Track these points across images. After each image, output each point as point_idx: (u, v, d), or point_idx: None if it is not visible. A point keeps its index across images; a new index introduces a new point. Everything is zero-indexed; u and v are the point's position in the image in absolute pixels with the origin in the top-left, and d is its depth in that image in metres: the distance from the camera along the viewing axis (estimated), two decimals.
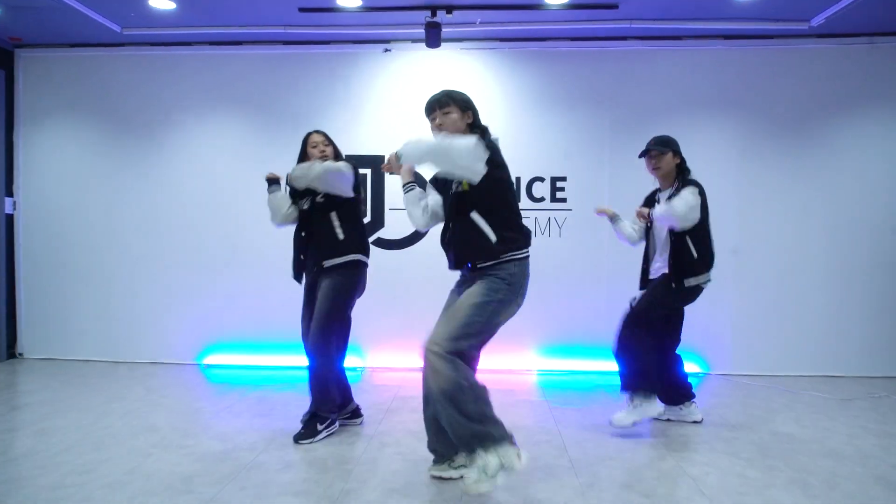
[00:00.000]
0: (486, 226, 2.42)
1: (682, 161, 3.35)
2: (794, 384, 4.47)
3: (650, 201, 3.49)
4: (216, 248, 5.02)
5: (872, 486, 2.62)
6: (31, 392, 4.11)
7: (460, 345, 2.32)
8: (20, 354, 5.17)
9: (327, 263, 3.15)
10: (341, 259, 3.15)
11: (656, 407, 3.28)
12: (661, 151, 3.32)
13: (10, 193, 5.08)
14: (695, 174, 3.38)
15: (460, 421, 2.20)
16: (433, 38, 4.30)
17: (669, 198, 3.26)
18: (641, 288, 3.50)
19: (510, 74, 4.89)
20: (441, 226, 2.70)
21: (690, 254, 3.23)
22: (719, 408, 3.84)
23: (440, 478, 2.62)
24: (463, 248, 2.49)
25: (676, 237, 3.27)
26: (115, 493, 2.50)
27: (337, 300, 3.14)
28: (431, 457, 2.68)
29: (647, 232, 3.49)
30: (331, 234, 3.16)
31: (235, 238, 4.98)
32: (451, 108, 2.51)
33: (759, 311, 4.79)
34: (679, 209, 3.12)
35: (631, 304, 3.41)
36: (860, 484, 2.65)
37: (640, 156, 3.41)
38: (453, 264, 2.59)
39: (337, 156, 3.36)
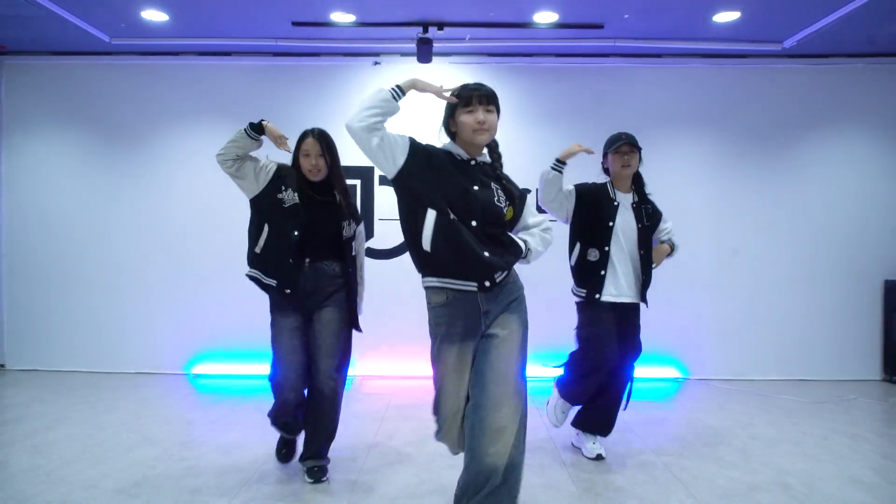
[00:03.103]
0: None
1: None
2: (768, 388, 4.68)
3: (607, 200, 3.09)
4: (203, 256, 5.03)
5: (847, 487, 2.80)
6: (21, 405, 4.07)
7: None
8: (2, 366, 5.09)
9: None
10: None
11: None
12: (638, 149, 3.10)
13: None
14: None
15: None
16: (424, 53, 4.40)
17: (640, 207, 3.12)
18: (591, 303, 3.08)
19: (496, 88, 4.92)
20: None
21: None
22: (701, 413, 4.02)
23: None
24: (497, 253, 2.14)
25: (646, 256, 3.12)
26: None
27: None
28: (430, 464, 2.78)
29: (608, 233, 3.06)
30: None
31: (223, 246, 4.98)
32: (493, 108, 2.29)
33: (735, 318, 5.00)
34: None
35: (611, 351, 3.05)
36: (836, 484, 2.83)
37: (612, 150, 3.09)
38: (485, 267, 2.11)
39: (333, 167, 2.83)
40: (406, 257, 4.94)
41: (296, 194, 2.79)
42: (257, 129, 2.81)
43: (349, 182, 4.97)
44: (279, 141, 2.86)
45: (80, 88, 5.05)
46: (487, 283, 2.09)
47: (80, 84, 5.05)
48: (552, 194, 3.05)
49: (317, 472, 2.81)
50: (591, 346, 3.09)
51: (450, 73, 5.01)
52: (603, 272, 3.04)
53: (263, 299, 2.95)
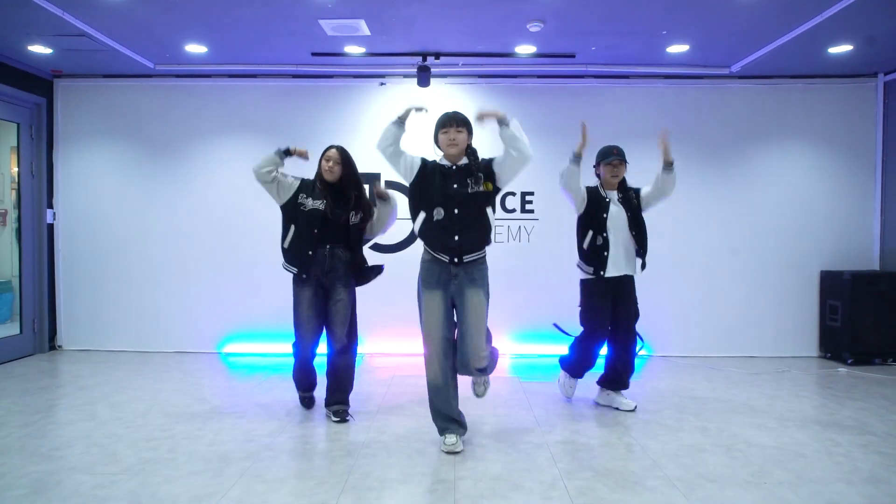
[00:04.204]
0: (490, 223, 3.22)
1: None
2: (717, 363, 5.49)
3: (600, 198, 3.90)
4: (233, 250, 5.83)
5: (752, 430, 3.60)
6: (87, 376, 4.88)
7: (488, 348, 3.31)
8: (60, 346, 5.91)
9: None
10: None
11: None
12: (625, 162, 3.95)
13: (50, 206, 5.81)
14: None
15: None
16: (423, 79, 5.18)
17: (625, 199, 3.95)
18: (597, 279, 3.88)
19: (486, 105, 5.79)
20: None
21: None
22: (653, 381, 4.82)
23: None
24: (470, 239, 3.16)
25: (638, 235, 3.92)
26: (196, 442, 3.34)
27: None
28: (430, 421, 3.56)
29: (604, 223, 3.86)
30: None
31: (249, 241, 5.78)
32: (463, 129, 3.19)
33: (692, 302, 5.81)
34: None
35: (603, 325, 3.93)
36: (744, 429, 3.63)
37: (604, 162, 3.90)
38: (456, 254, 3.13)
39: (347, 173, 3.69)
40: (409, 250, 5.77)
41: (317, 201, 3.67)
42: (285, 152, 3.75)
43: None
44: (304, 156, 3.80)
45: (125, 106, 5.85)
46: (455, 259, 3.18)
47: (125, 103, 5.85)
48: (575, 183, 3.83)
49: (341, 412, 3.74)
50: (589, 316, 3.93)
51: (446, 93, 5.79)
52: (606, 253, 3.86)
53: (285, 287, 3.84)
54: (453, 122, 3.19)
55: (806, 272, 5.78)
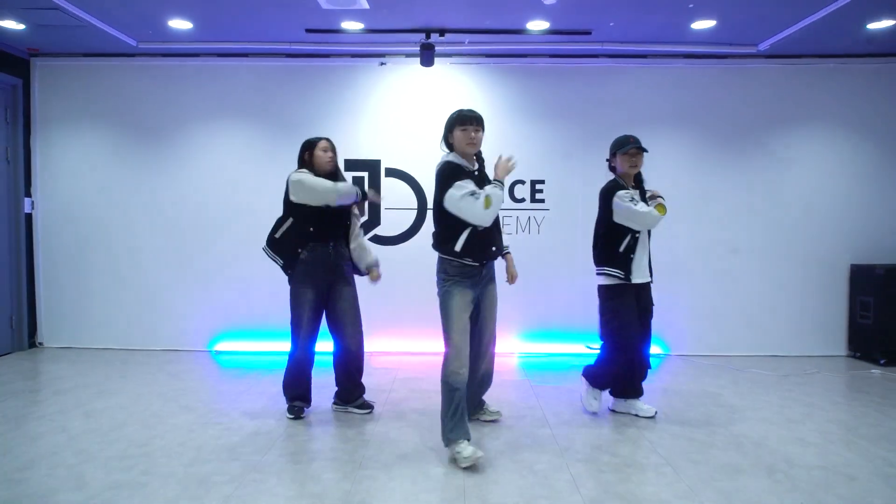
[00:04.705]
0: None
1: None
2: (740, 363, 5.14)
3: (632, 195, 3.56)
4: (224, 242, 5.47)
5: (792, 445, 3.25)
6: (66, 378, 4.54)
7: None
8: (40, 343, 5.57)
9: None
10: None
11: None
12: (644, 150, 3.57)
13: (28, 194, 5.44)
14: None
15: None
16: (427, 58, 4.78)
17: (642, 197, 3.63)
18: (625, 283, 3.53)
19: (494, 87, 5.41)
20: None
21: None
22: (675, 384, 4.47)
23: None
24: (500, 242, 3.29)
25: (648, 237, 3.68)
26: (174, 461, 3.00)
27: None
28: (432, 426, 3.27)
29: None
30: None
31: (242, 232, 5.42)
32: (481, 129, 3.12)
33: (712, 299, 5.44)
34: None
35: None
36: (783, 443, 3.28)
37: (621, 152, 3.51)
38: (492, 255, 3.20)
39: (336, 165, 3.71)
40: (408, 243, 5.40)
41: None
42: (362, 196, 3.67)
43: (357, 174, 5.43)
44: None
45: (107, 88, 5.45)
46: (485, 262, 3.19)
47: (107, 83, 5.45)
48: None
49: (366, 405, 3.79)
50: (622, 325, 3.55)
51: (451, 74, 5.39)
52: (632, 255, 3.53)
53: (281, 282, 3.64)
54: (474, 121, 3.09)
55: (834, 266, 5.41)
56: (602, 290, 3.64)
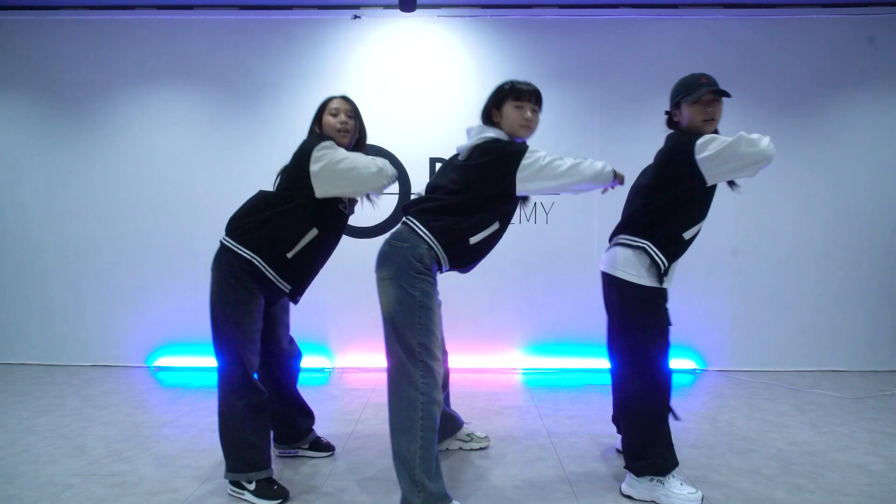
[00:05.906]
0: None
1: None
2: (797, 381, 4.16)
3: None
4: (165, 237, 4.51)
5: None
6: None
7: None
8: None
9: None
10: None
11: None
12: (725, 95, 2.32)
13: None
14: None
15: None
16: (407, 3, 3.83)
17: None
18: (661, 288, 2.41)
19: (492, 44, 4.45)
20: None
21: None
22: (725, 411, 3.49)
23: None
24: None
25: None
26: None
27: None
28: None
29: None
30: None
31: (185, 226, 4.48)
32: (539, 111, 2.39)
33: (758, 304, 4.47)
34: None
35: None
36: None
37: (688, 100, 2.33)
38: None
39: (360, 138, 2.54)
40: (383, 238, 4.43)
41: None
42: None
43: None
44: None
45: (23, 47, 4.49)
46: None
47: (23, 42, 4.49)
48: None
49: (325, 443, 2.82)
50: (661, 343, 2.35)
51: (438, 29, 4.44)
52: (683, 252, 2.46)
53: None
54: (533, 97, 2.33)
55: None
56: (635, 290, 2.36)
